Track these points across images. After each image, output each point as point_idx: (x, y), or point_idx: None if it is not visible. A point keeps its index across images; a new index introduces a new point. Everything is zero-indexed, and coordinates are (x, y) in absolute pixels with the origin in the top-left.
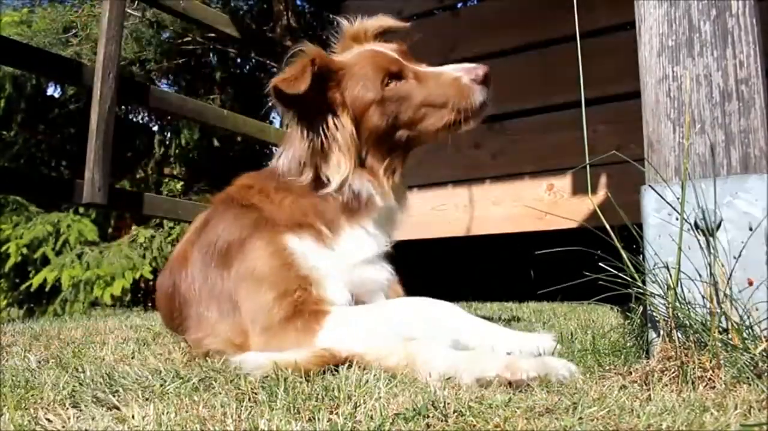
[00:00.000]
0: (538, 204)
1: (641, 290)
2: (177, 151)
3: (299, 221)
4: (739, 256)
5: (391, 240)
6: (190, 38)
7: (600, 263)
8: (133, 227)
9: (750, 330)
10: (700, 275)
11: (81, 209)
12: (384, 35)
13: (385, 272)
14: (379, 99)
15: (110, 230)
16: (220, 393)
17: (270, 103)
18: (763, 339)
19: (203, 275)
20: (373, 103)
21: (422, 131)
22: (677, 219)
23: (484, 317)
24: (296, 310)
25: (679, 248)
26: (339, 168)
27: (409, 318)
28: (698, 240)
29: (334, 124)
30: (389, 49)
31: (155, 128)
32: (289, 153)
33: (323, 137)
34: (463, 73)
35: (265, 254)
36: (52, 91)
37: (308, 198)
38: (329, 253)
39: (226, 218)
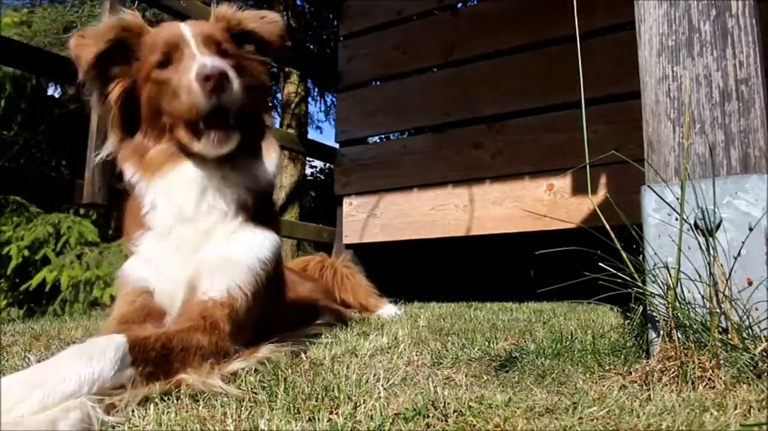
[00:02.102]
0: (537, 204)
1: (641, 290)
2: None
3: (125, 233)
4: (739, 256)
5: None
6: None
7: (600, 263)
8: None
9: (750, 330)
10: (699, 275)
11: (81, 211)
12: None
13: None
14: (147, 78)
15: (110, 231)
16: (220, 393)
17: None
18: (763, 339)
19: None
20: (144, 81)
21: (176, 122)
22: (677, 219)
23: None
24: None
25: (679, 249)
26: (109, 137)
27: None
28: (698, 240)
29: (113, 91)
30: (194, 27)
31: None
32: None
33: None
34: (194, 67)
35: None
36: (52, 91)
37: (129, 202)
38: (141, 251)
39: None
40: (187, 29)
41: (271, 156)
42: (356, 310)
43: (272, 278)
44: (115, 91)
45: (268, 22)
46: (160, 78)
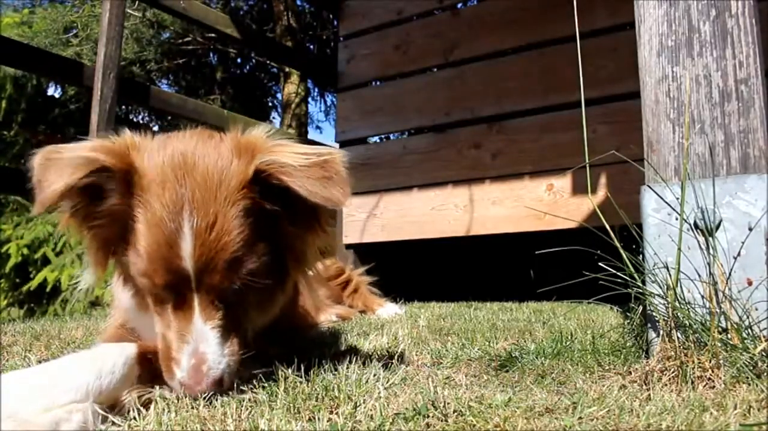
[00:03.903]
0: (537, 204)
1: (641, 290)
2: None
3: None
4: (739, 256)
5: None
6: (190, 38)
7: (600, 263)
8: None
9: (749, 330)
10: (699, 275)
11: None
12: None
13: None
14: (132, 244)
15: None
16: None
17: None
18: (763, 339)
19: None
20: (130, 246)
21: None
22: (677, 219)
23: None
24: None
25: (679, 248)
26: (88, 271)
27: None
28: (698, 240)
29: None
30: (200, 255)
31: (155, 128)
32: None
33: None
34: (188, 368)
35: None
36: (53, 91)
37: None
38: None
39: None
40: (188, 247)
41: None
42: (358, 310)
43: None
44: (96, 243)
45: (322, 177)
46: (141, 273)
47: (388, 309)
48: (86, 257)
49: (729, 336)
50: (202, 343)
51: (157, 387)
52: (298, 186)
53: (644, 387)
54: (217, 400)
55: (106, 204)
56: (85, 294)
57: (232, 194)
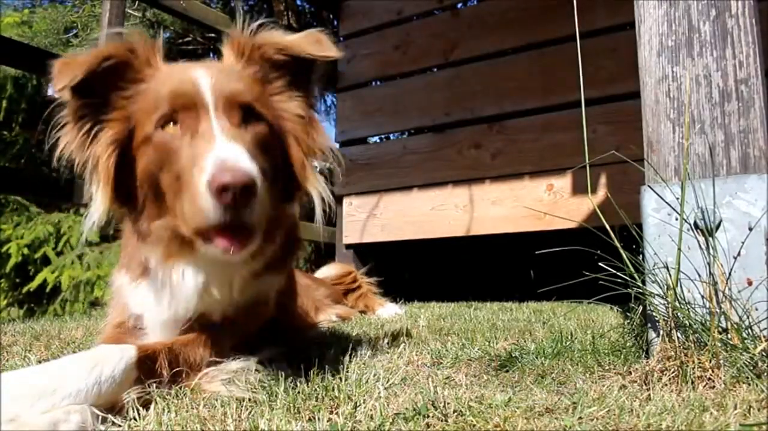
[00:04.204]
0: (537, 204)
1: (641, 290)
2: None
3: (124, 260)
4: (739, 256)
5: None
6: (190, 38)
7: (600, 263)
8: None
9: (749, 330)
10: (699, 275)
11: (82, 210)
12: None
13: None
14: (147, 137)
15: (111, 230)
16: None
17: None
18: (763, 339)
19: None
20: (144, 140)
21: (175, 212)
22: (677, 219)
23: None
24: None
25: (679, 248)
26: (97, 199)
27: None
28: (698, 240)
29: (101, 137)
30: (216, 80)
31: None
32: None
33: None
34: (214, 165)
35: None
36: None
37: (129, 239)
38: (140, 292)
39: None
40: (205, 81)
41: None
42: (359, 310)
43: (279, 297)
44: (106, 138)
45: (314, 39)
46: (161, 143)
47: (388, 309)
48: (93, 184)
49: (729, 336)
50: (225, 147)
51: (154, 387)
52: (296, 46)
53: (644, 387)
54: (217, 400)
55: (114, 100)
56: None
57: (238, 62)
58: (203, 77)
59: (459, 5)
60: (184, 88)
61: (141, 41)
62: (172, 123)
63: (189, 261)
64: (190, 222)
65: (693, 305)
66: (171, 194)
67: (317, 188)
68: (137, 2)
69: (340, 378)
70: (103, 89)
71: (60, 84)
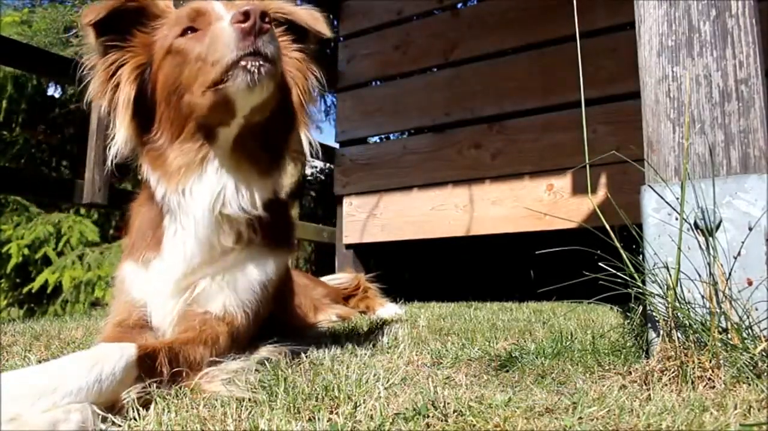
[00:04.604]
0: (537, 204)
1: (641, 290)
2: None
3: (130, 242)
4: (739, 256)
5: (250, 232)
6: None
7: (600, 263)
8: None
9: (749, 330)
10: (699, 275)
11: (82, 210)
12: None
13: (215, 283)
14: (169, 49)
15: (111, 231)
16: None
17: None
18: (763, 339)
19: None
20: (165, 54)
21: (196, 94)
22: (677, 219)
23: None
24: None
25: (679, 248)
26: (118, 129)
27: None
28: (698, 240)
29: (122, 71)
30: (226, 3)
31: None
32: None
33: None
34: (227, 15)
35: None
36: (53, 91)
37: (145, 207)
38: (146, 273)
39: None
40: (218, 4)
41: (295, 166)
42: (359, 310)
43: (277, 292)
44: (128, 66)
45: (312, 15)
46: (182, 47)
47: (388, 309)
48: (115, 114)
49: (729, 336)
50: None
51: (154, 386)
52: (299, 17)
53: (644, 387)
54: (217, 400)
55: (134, 36)
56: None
57: None
58: (216, 3)
59: (459, 5)
60: (200, 6)
61: None
62: (192, 32)
63: (208, 169)
64: (212, 71)
65: (693, 305)
66: (190, 86)
67: (307, 134)
68: None
69: (340, 378)
70: (125, 29)
71: (86, 19)
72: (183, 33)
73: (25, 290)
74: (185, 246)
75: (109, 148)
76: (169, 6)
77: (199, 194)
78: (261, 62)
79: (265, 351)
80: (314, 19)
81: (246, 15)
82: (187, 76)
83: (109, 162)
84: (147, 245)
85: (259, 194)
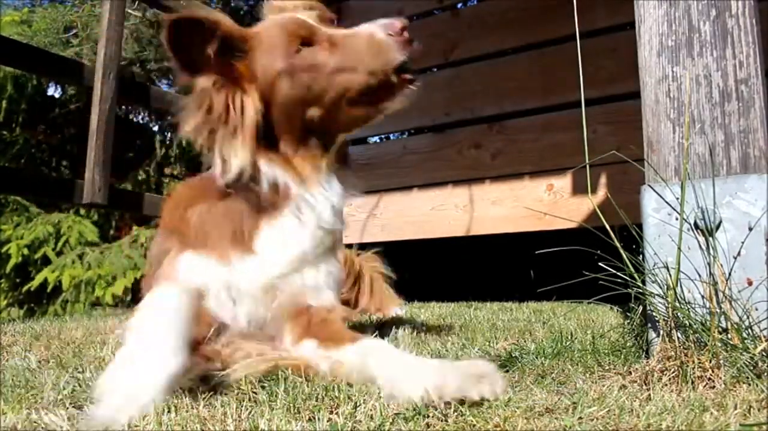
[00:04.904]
0: (537, 204)
1: (641, 290)
2: (177, 151)
3: (201, 237)
4: (739, 256)
5: (335, 232)
6: None
7: (600, 263)
8: (134, 228)
9: (750, 330)
10: (699, 275)
11: (82, 211)
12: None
13: (322, 274)
14: (288, 68)
15: (111, 231)
16: (220, 393)
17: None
18: (763, 339)
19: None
20: (281, 74)
21: (336, 105)
22: (677, 219)
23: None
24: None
25: (679, 248)
26: (237, 154)
27: None
28: (698, 240)
29: (238, 102)
30: (307, 15)
31: (155, 128)
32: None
33: (225, 117)
34: (379, 28)
35: (163, 273)
36: (53, 91)
37: (223, 204)
38: (226, 270)
39: (156, 236)
40: (308, 18)
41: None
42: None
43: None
44: (249, 94)
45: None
46: (307, 63)
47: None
48: (230, 146)
49: (729, 336)
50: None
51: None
52: None
53: (644, 387)
54: (217, 400)
55: (226, 71)
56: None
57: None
58: (294, 16)
59: (459, 5)
60: (296, 24)
61: (225, 17)
62: (302, 49)
63: (326, 173)
64: (374, 68)
65: (693, 305)
66: (319, 102)
67: None
68: (137, 2)
69: (340, 378)
70: (219, 69)
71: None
72: (296, 50)
73: (25, 288)
74: (297, 242)
75: (232, 165)
76: (246, 31)
77: (323, 193)
78: (412, 78)
79: None
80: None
81: (404, 30)
82: (322, 88)
83: (229, 178)
84: (228, 240)
85: (347, 192)
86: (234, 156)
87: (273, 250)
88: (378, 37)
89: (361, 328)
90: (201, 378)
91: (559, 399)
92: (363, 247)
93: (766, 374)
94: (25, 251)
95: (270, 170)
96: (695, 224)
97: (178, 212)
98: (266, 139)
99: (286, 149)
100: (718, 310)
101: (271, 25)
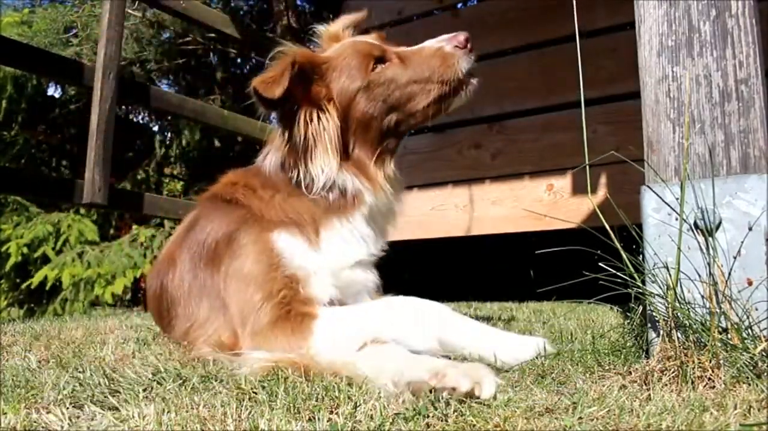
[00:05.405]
0: (537, 204)
1: (641, 290)
2: (177, 151)
3: (287, 219)
4: (739, 256)
5: (385, 240)
6: (190, 38)
7: (600, 263)
8: (134, 227)
9: (749, 330)
10: (699, 275)
11: (82, 210)
12: (358, 31)
13: (371, 275)
14: (366, 85)
15: (111, 230)
16: (221, 393)
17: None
18: (763, 339)
19: (192, 274)
20: (359, 91)
21: (411, 110)
22: (677, 219)
23: (484, 318)
24: (284, 312)
25: (679, 249)
26: (324, 165)
27: (394, 320)
28: (698, 240)
29: (319, 119)
30: (368, 38)
31: (155, 128)
32: (275, 152)
33: (306, 134)
34: (445, 42)
35: (253, 252)
36: (53, 91)
37: (296, 197)
38: (315, 252)
39: (213, 216)
40: (370, 38)
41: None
42: None
43: None
44: (331, 116)
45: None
46: (384, 78)
47: None
48: (316, 157)
49: (729, 336)
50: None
51: None
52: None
53: (644, 387)
54: (217, 400)
55: (308, 96)
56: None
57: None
58: (361, 39)
59: (459, 5)
60: (367, 46)
61: (295, 51)
62: (376, 66)
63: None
64: (447, 77)
65: (693, 306)
66: (395, 111)
67: None
68: (137, 2)
69: (340, 378)
70: (294, 94)
71: (271, 94)
72: (371, 69)
73: (24, 286)
74: (369, 233)
75: (315, 178)
76: (322, 56)
77: (389, 200)
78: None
79: None
80: None
81: (467, 42)
82: (398, 98)
83: (317, 188)
84: (313, 225)
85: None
86: (321, 170)
87: (340, 246)
88: (447, 50)
89: None
90: None
91: (559, 399)
92: None
93: (766, 374)
94: (25, 250)
95: (344, 177)
96: (695, 224)
97: (240, 190)
98: (342, 150)
99: (361, 157)
100: (718, 310)
101: (342, 49)
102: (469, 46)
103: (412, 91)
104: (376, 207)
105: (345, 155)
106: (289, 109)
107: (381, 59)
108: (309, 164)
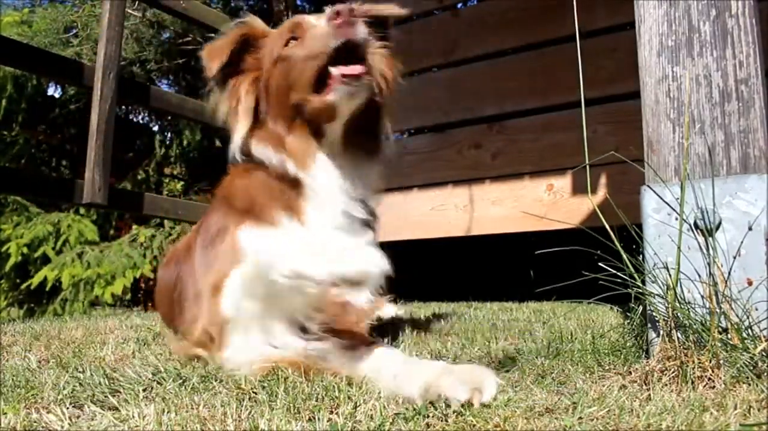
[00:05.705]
0: (537, 204)
1: (641, 290)
2: (178, 151)
3: (248, 206)
4: (739, 256)
5: (371, 193)
6: (190, 38)
7: (600, 263)
8: (134, 227)
9: (749, 330)
10: (699, 275)
11: (82, 210)
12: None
13: (362, 237)
14: (276, 58)
15: (111, 230)
16: (221, 393)
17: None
18: (763, 339)
19: (201, 259)
20: (274, 64)
21: (300, 91)
22: (677, 219)
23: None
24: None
25: (679, 249)
26: (237, 134)
27: None
28: (698, 240)
29: (243, 86)
30: (320, 16)
31: (155, 128)
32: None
33: (235, 105)
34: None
35: (226, 243)
36: (53, 91)
37: (258, 178)
38: (276, 233)
39: (217, 208)
40: (310, 16)
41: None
42: None
43: None
44: (245, 83)
45: (385, 5)
46: (287, 54)
47: (386, 310)
48: (235, 120)
49: (729, 336)
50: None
51: None
52: (377, 9)
53: (644, 387)
54: (217, 400)
55: (245, 61)
56: (84, 295)
57: None
58: (303, 17)
59: (459, 5)
60: (297, 18)
61: (248, 23)
62: (290, 42)
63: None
64: (311, 69)
65: (693, 305)
66: (296, 84)
67: (390, 122)
68: (137, 2)
69: (340, 378)
70: (236, 58)
71: (213, 65)
72: (286, 44)
73: (24, 286)
74: (330, 214)
75: (231, 143)
76: (266, 30)
77: (330, 176)
78: (354, 70)
79: None
80: (388, 6)
81: (337, 13)
82: (294, 76)
83: (235, 155)
84: (278, 211)
85: (374, 177)
86: (237, 130)
87: (316, 221)
88: (320, 26)
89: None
90: None
91: (559, 399)
92: None
93: (766, 374)
94: (25, 250)
95: (261, 149)
96: (695, 224)
97: (232, 181)
98: (264, 121)
99: (277, 129)
100: (717, 310)
101: (282, 25)
102: (341, 20)
103: (299, 70)
104: (317, 184)
105: (261, 125)
106: (231, 75)
107: (295, 36)
108: (234, 134)
